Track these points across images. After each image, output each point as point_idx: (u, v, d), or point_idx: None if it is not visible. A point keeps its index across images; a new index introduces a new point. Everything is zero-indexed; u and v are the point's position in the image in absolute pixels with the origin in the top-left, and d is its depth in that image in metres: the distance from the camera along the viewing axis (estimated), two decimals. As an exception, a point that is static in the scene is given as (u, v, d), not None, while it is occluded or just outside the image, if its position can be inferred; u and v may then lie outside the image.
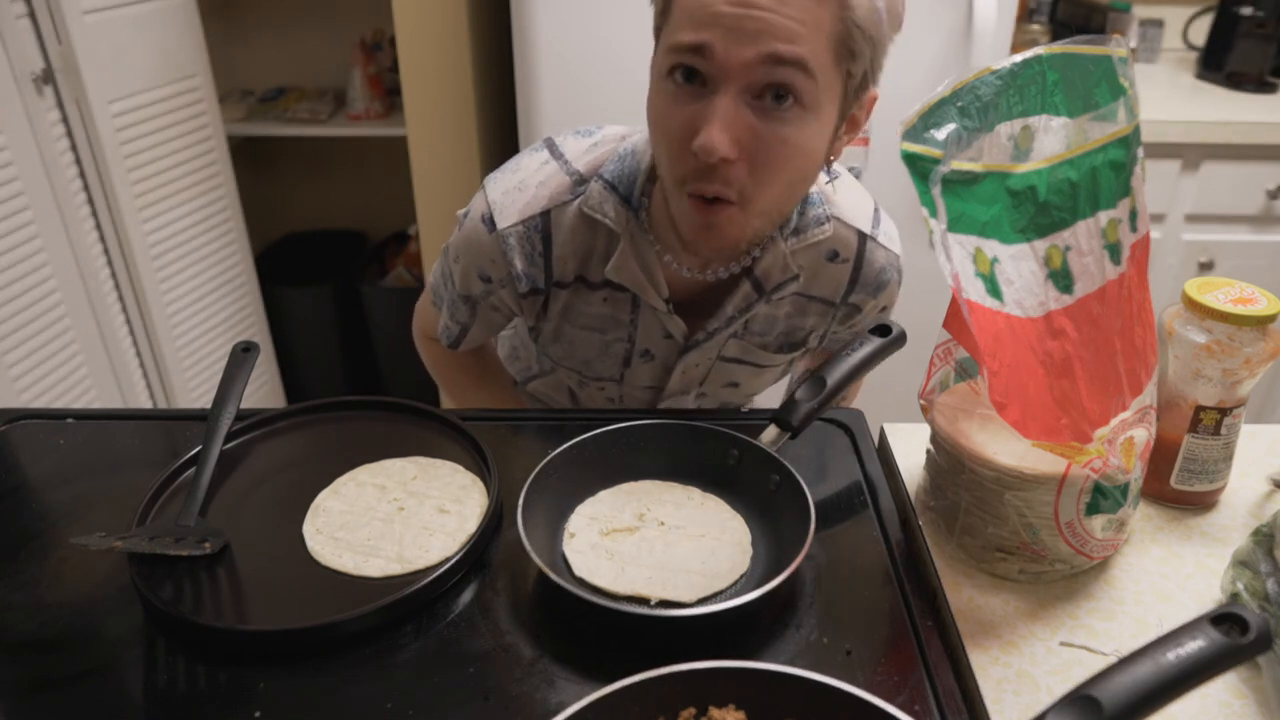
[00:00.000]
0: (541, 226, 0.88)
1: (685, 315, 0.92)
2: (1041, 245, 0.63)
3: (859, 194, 0.94)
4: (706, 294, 0.92)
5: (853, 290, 0.95)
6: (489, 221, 0.88)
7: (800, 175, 0.78)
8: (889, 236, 0.94)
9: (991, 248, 0.62)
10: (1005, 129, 0.63)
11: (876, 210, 0.95)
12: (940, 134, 0.60)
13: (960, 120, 0.60)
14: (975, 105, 0.61)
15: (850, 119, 0.77)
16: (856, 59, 0.71)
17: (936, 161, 0.60)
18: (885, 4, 0.71)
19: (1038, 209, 0.63)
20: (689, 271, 0.88)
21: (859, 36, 0.70)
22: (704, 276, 0.89)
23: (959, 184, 0.61)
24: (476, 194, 0.92)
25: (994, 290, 0.62)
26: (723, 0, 0.67)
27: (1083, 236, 0.64)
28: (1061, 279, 0.64)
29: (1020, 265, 0.63)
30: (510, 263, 0.88)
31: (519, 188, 0.89)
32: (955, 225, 0.61)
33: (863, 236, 0.92)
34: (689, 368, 0.96)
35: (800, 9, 0.67)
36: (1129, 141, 0.65)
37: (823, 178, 0.85)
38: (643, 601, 0.67)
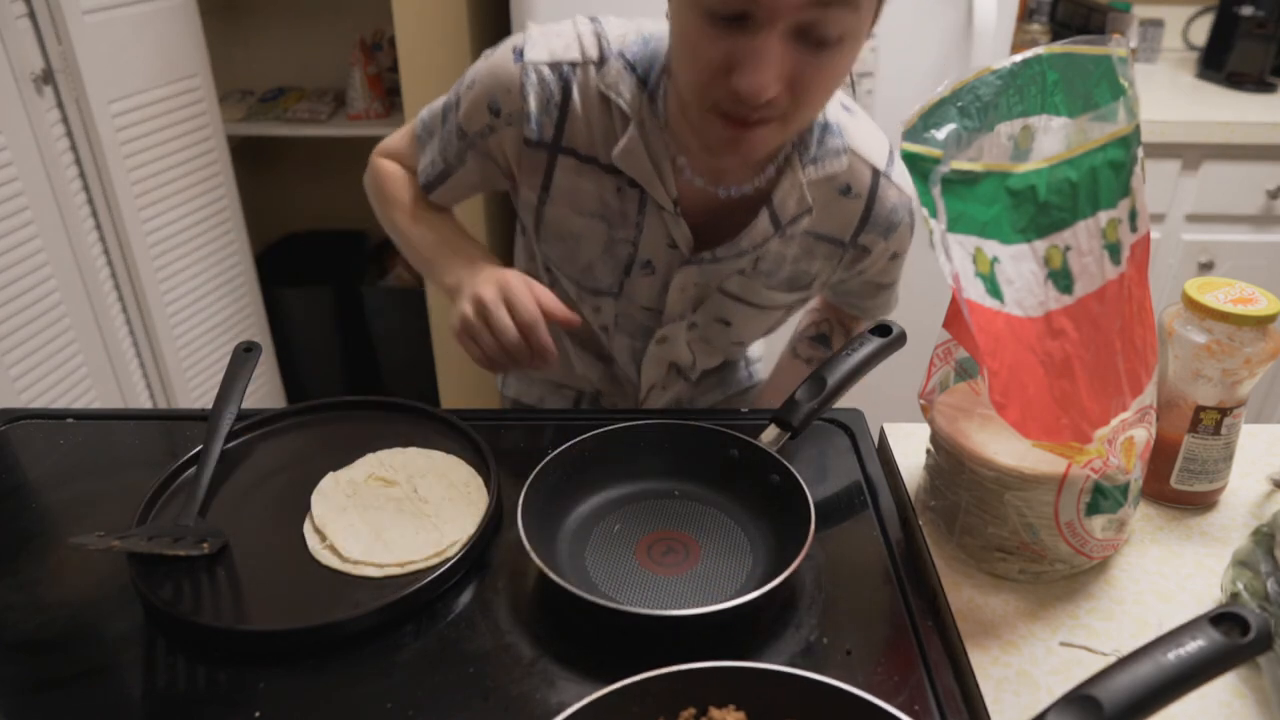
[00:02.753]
0: (564, 79, 0.85)
1: (694, 232, 0.89)
2: (1041, 245, 0.63)
3: (876, 133, 0.93)
4: (718, 214, 0.89)
5: (863, 229, 0.92)
6: (518, 52, 0.85)
7: (834, 90, 0.77)
8: (903, 177, 0.92)
9: (991, 248, 0.62)
10: (1005, 129, 0.63)
11: (892, 151, 0.93)
12: (940, 134, 0.60)
13: (960, 120, 0.60)
14: (975, 105, 0.61)
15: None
16: None
17: (936, 161, 0.60)
18: None
19: (1038, 209, 0.63)
20: (701, 181, 0.86)
21: None
22: (715, 191, 0.87)
23: (959, 184, 0.61)
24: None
25: (994, 290, 0.62)
26: None
27: (1083, 236, 0.64)
28: (1061, 279, 0.64)
29: (1020, 265, 0.63)
30: (525, 98, 0.85)
31: (557, 34, 0.86)
32: (955, 225, 0.61)
33: (876, 173, 0.90)
34: (687, 284, 0.93)
35: None
36: (1129, 141, 0.65)
37: (841, 95, 0.84)
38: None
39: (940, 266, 0.60)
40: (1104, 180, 0.64)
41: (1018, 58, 0.62)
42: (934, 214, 0.60)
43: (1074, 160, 0.63)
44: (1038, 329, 0.63)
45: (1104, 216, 0.64)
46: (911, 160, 0.59)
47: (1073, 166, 0.63)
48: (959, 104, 0.60)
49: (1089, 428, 0.64)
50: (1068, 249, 0.64)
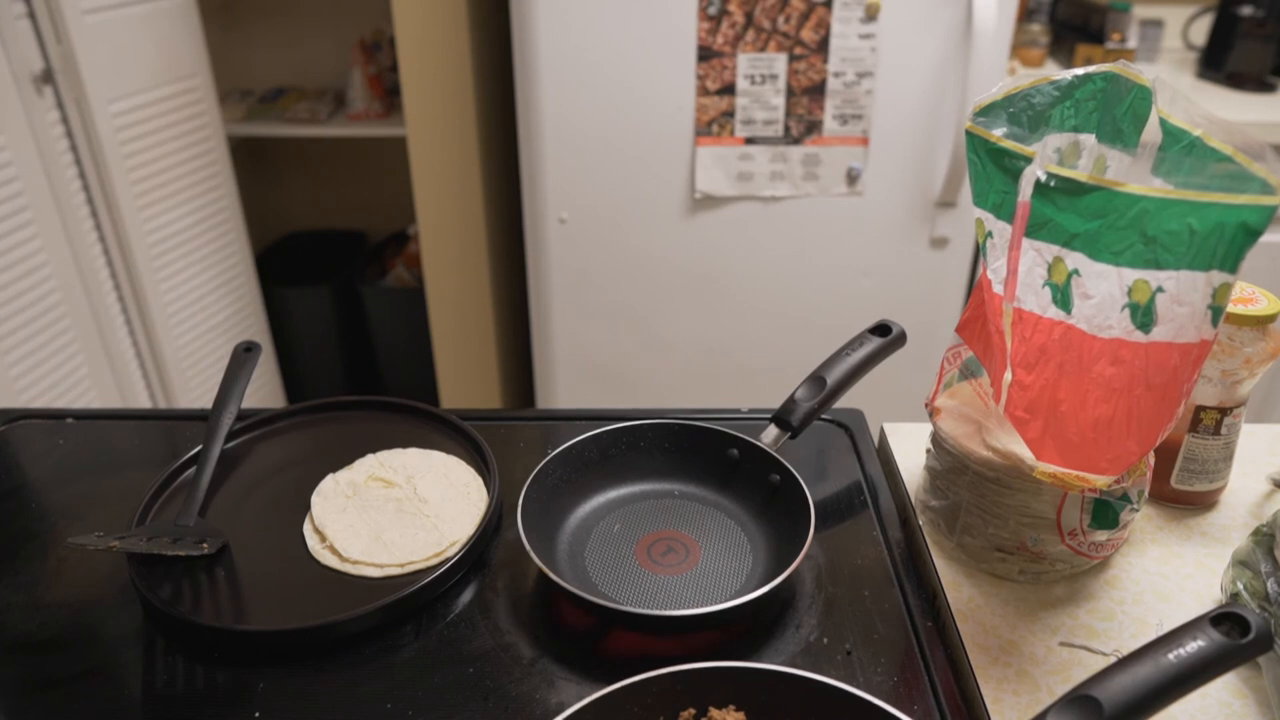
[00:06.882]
0: None
1: None
2: (1130, 274, 0.58)
3: None
4: None
5: None
6: None
7: None
8: None
9: (1075, 259, 0.58)
10: (1054, 141, 0.60)
11: None
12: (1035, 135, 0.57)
13: (1010, 126, 0.58)
14: (1028, 113, 0.58)
15: None
16: None
17: (1027, 160, 0.56)
18: None
19: (1144, 241, 0.57)
20: None
21: None
22: None
23: (1059, 192, 0.56)
24: None
25: (1063, 301, 0.58)
26: None
27: (1185, 286, 0.57)
28: (1141, 315, 0.58)
29: (1100, 284, 0.58)
30: None
31: None
32: (1037, 232, 0.57)
33: None
34: None
35: None
36: (1270, 214, 0.57)
37: None
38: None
39: (989, 270, 0.57)
40: (1231, 240, 0.57)
41: (1079, 70, 0.60)
42: (1004, 215, 0.55)
43: (1201, 207, 0.56)
44: (1101, 349, 0.59)
45: (1217, 277, 0.57)
46: (997, 154, 0.55)
47: (1198, 215, 0.56)
48: (1010, 109, 0.58)
49: (1110, 466, 0.60)
50: (1159, 289, 0.58)
